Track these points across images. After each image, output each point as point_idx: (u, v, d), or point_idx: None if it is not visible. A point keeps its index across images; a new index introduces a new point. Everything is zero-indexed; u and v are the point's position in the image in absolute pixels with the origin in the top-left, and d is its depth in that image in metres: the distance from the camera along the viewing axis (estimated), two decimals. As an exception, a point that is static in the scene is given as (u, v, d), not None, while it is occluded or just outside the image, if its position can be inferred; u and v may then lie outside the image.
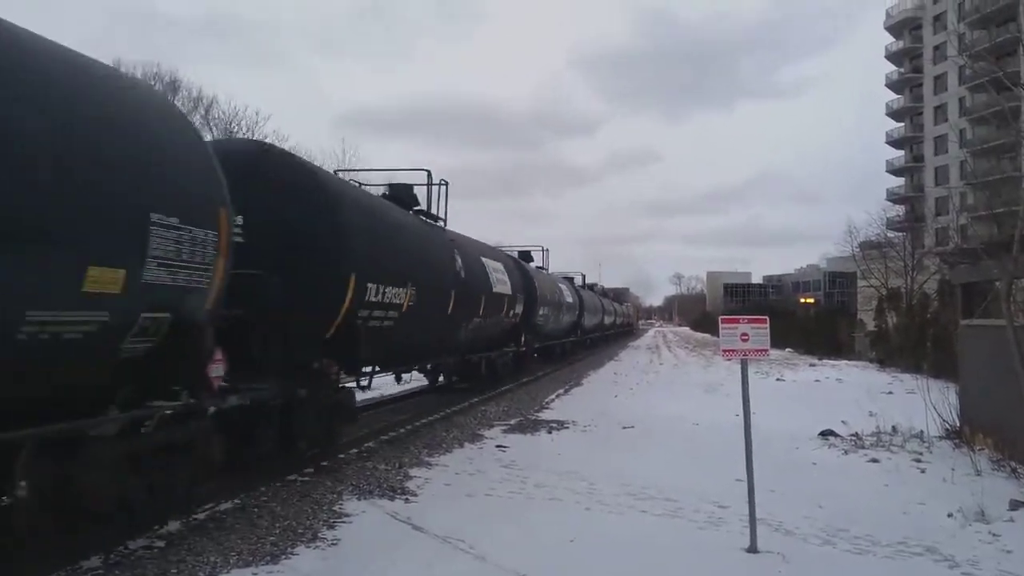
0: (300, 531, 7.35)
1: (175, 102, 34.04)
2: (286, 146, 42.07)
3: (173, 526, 7.26)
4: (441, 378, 20.04)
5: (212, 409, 7.48)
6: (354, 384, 11.79)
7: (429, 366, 17.99)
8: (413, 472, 10.14)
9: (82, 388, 6.01)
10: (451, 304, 14.74)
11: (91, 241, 5.44)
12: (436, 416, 15.13)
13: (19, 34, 5.45)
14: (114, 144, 5.81)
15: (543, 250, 33.43)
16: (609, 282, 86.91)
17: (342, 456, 10.75)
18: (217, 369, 7.24)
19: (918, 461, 11.13)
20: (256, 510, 7.95)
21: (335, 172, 13.72)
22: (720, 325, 7.81)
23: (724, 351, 7.71)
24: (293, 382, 9.43)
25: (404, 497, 8.87)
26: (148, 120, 6.51)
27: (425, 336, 13.93)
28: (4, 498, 5.73)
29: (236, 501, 8.20)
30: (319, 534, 7.30)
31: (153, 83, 37.87)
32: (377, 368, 12.97)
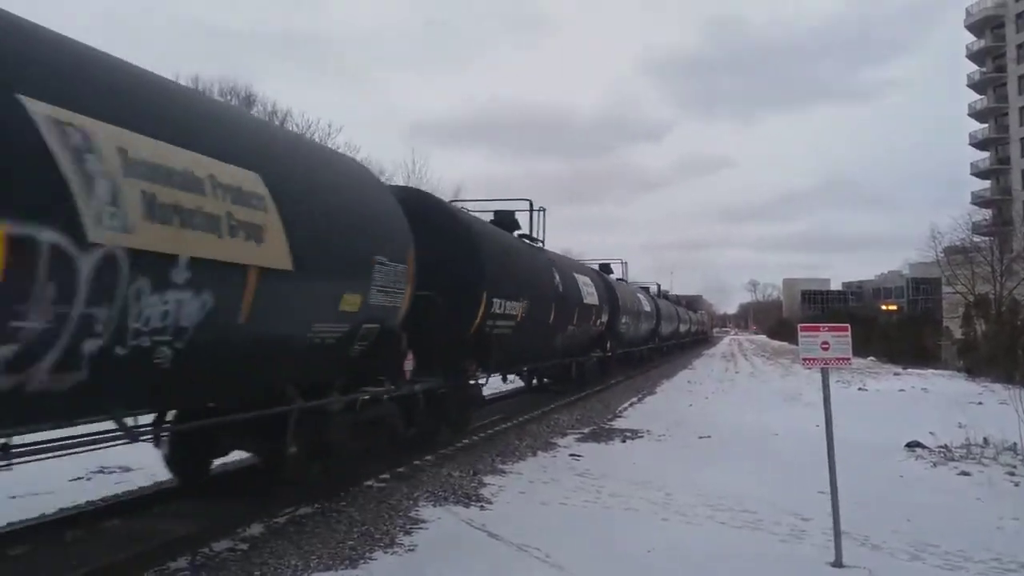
0: (377, 536, 7.45)
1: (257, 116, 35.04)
2: (358, 157, 43.02)
3: (255, 529, 7.46)
4: (535, 380, 22.45)
5: (382, 397, 9.58)
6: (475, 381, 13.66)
7: (526, 369, 20.27)
8: (487, 480, 10.18)
9: (324, 377, 8.48)
10: (552, 315, 16.81)
11: (345, 277, 8.07)
12: (509, 424, 15.15)
13: (322, 150, 9.54)
14: (357, 210, 8.63)
15: (622, 263, 35.83)
16: (682, 289, 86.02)
17: (417, 463, 10.84)
18: (409, 364, 9.86)
19: (1012, 474, 10.67)
20: (335, 515, 8.09)
21: (442, 197, 15.11)
22: (799, 333, 7.65)
23: (804, 360, 7.53)
24: (446, 376, 11.77)
25: (479, 504, 8.90)
26: (369, 190, 9.41)
27: (532, 342, 16.09)
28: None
29: (316, 505, 8.35)
30: (396, 540, 7.39)
31: (229, 97, 39.04)
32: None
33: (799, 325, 7.87)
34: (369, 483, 9.59)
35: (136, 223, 5.14)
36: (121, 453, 8.87)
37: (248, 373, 7.12)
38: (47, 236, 4.53)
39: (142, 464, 10.11)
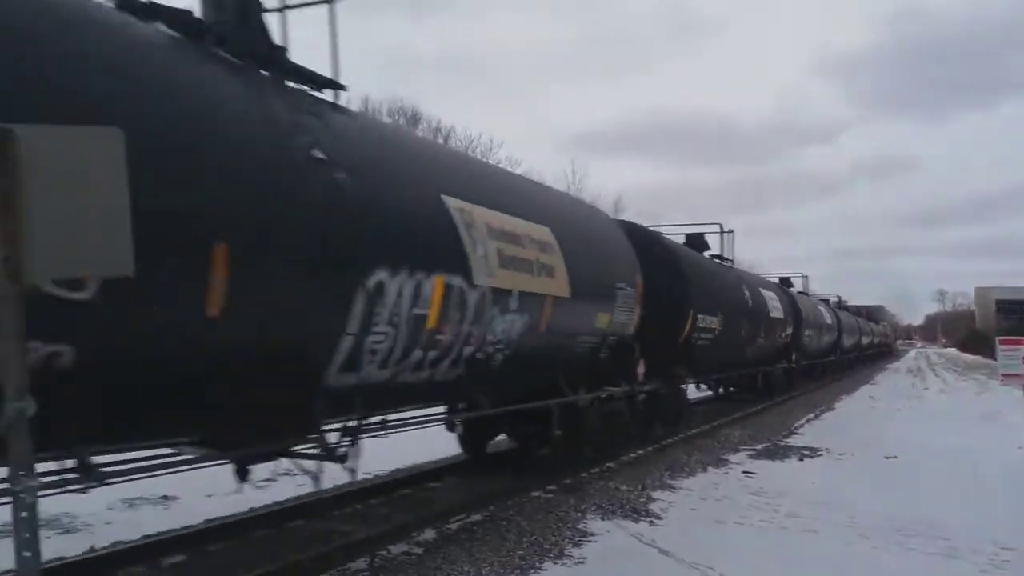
0: (547, 547, 7.49)
1: (422, 134, 36.36)
2: (518, 170, 43.18)
3: (429, 534, 7.69)
4: (721, 389, 24.05)
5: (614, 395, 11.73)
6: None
7: (714, 378, 21.83)
8: (656, 495, 10.02)
9: (580, 378, 10.73)
10: (743, 328, 18.66)
11: (598, 300, 10.37)
12: (677, 438, 14.83)
13: (579, 203, 13.33)
14: (604, 247, 11.16)
15: (802, 276, 37.60)
16: (862, 299, 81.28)
17: (584, 475, 10.82)
18: (641, 369, 12.15)
19: None
20: (504, 523, 8.22)
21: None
22: (998, 347, 7.07)
23: (1003, 376, 6.93)
24: (662, 380, 13.59)
25: (648, 519, 8.78)
26: (608, 230, 11.98)
27: (727, 353, 17.96)
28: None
29: (485, 513, 8.53)
30: (565, 551, 7.41)
31: (396, 117, 40.65)
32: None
33: (998, 339, 7.26)
34: (536, 493, 9.69)
35: (495, 270, 7.55)
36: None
37: (539, 372, 9.71)
38: (456, 281, 6.95)
39: (322, 467, 10.63)
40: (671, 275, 13.82)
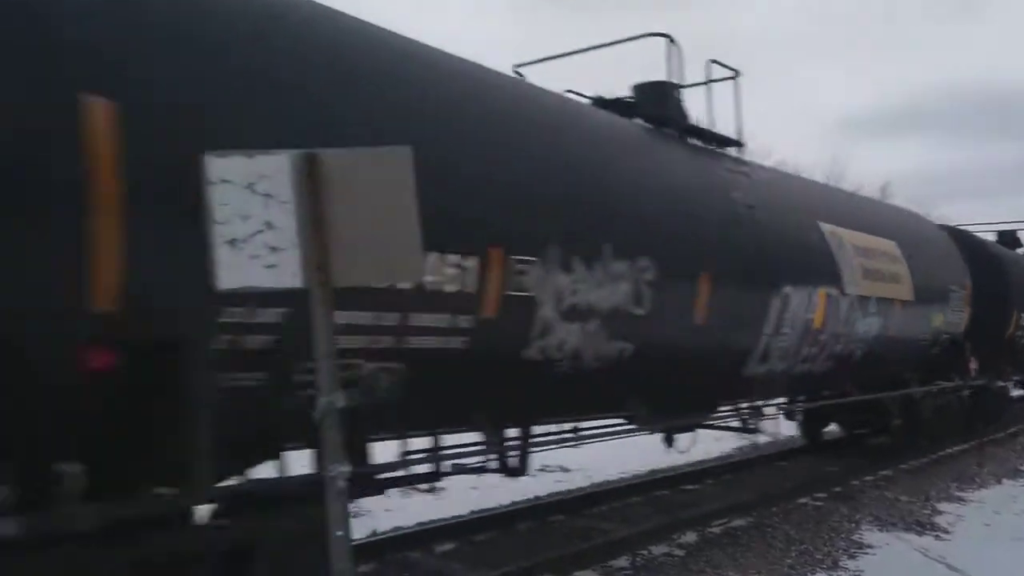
0: (818, 557, 7.12)
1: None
2: (770, 160, 40.69)
3: (690, 536, 7.56)
4: None
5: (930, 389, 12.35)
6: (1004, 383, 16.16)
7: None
8: (942, 507, 9.28)
9: (915, 371, 11.89)
10: None
11: (935, 302, 11.50)
12: (966, 446, 13.42)
13: (909, 216, 13.21)
14: (938, 254, 12.25)
15: None
16: None
17: (855, 483, 10.14)
18: (973, 364, 13.12)
19: None
20: (769, 530, 7.93)
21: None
22: None
23: None
24: (988, 375, 14.45)
25: (934, 533, 8.15)
26: (933, 236, 12.91)
27: None
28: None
29: (749, 518, 8.26)
30: (839, 562, 7.02)
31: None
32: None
33: None
34: (803, 501, 9.27)
35: (859, 281, 9.01)
36: (560, 455, 9.58)
37: (886, 366, 10.98)
38: (833, 291, 8.53)
39: (580, 465, 10.78)
40: (993, 275, 14.34)
